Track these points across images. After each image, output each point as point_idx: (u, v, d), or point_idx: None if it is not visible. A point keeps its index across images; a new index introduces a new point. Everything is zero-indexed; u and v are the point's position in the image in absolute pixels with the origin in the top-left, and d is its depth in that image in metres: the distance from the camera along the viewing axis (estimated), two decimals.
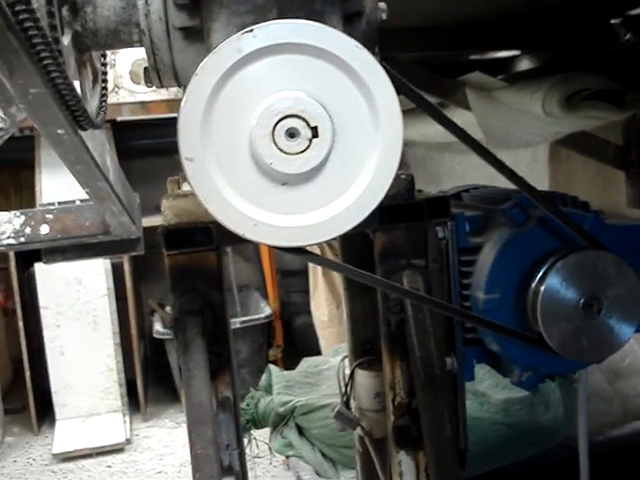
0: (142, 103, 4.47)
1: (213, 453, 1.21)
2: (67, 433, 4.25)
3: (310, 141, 1.00)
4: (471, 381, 1.36)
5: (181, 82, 1.30)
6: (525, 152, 3.31)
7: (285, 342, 4.83)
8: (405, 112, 1.12)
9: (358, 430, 1.70)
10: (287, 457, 2.71)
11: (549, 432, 2.39)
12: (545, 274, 1.17)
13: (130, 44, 1.27)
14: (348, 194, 1.05)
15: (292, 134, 1.00)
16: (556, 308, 1.16)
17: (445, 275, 1.30)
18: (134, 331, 4.60)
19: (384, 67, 1.03)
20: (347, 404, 1.73)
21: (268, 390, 2.85)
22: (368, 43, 1.21)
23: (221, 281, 1.29)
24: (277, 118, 0.99)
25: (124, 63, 4.42)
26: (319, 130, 1.00)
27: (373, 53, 1.36)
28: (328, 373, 2.89)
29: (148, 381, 4.80)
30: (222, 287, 1.29)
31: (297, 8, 1.17)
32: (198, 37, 1.21)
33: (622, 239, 1.25)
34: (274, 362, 4.78)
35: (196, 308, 1.25)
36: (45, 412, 4.53)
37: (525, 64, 3.09)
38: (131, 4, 1.18)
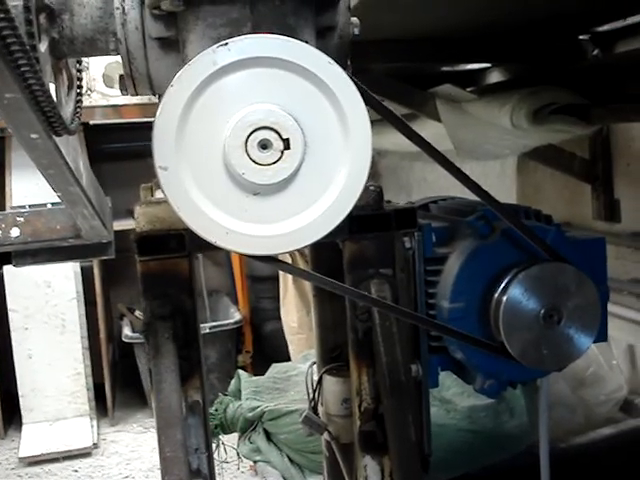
0: (115, 106, 4.46)
1: (182, 456, 1.23)
2: (34, 437, 4.22)
3: (282, 152, 1.03)
4: (435, 388, 1.39)
5: (156, 91, 1.32)
6: (494, 164, 3.37)
7: (254, 348, 4.84)
8: (376, 122, 1.16)
9: (325, 435, 1.73)
10: (255, 462, 2.72)
11: (514, 439, 2.44)
12: (507, 285, 1.20)
13: (106, 52, 1.28)
14: (318, 204, 1.07)
15: (264, 145, 1.03)
16: (517, 318, 1.20)
17: (412, 284, 1.34)
18: (103, 335, 4.58)
19: (354, 81, 1.06)
20: (315, 409, 1.76)
21: (237, 395, 2.87)
22: (340, 57, 1.24)
23: (192, 287, 1.31)
24: (250, 130, 1.02)
25: (97, 66, 4.41)
26: (291, 142, 1.03)
27: (345, 66, 1.40)
28: (297, 379, 2.91)
29: (116, 385, 4.78)
30: (193, 293, 1.31)
31: (271, 22, 1.20)
32: (174, 47, 1.23)
33: (581, 252, 1.29)
34: (243, 368, 4.78)
35: (167, 313, 1.27)
36: (12, 415, 4.50)
37: (495, 77, 3.15)
38: (108, 13, 1.20)
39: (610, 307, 1.33)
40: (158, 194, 1.52)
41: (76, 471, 3.98)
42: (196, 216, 1.04)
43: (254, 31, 1.24)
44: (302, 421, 1.73)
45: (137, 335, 4.59)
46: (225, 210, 1.05)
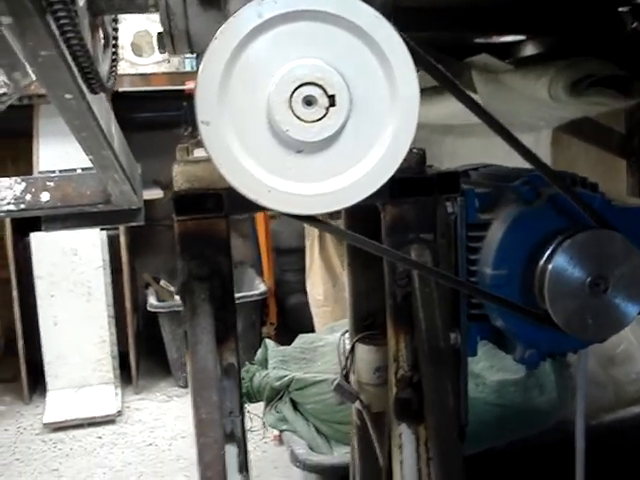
0: (143, 75, 4.45)
1: (218, 418, 1.22)
2: (58, 403, 4.26)
3: (327, 109, 1.00)
4: (474, 357, 1.37)
5: (195, 49, 1.30)
6: (528, 137, 3.30)
7: (278, 320, 4.84)
8: None
9: (357, 404, 1.71)
10: (281, 432, 2.72)
11: (542, 414, 2.41)
12: (553, 252, 1.17)
13: (145, 9, 1.26)
14: (362, 164, 1.05)
15: (309, 102, 1.00)
16: (563, 286, 1.17)
17: (452, 250, 1.31)
18: (128, 304, 4.60)
19: (404, 39, 1.02)
20: (346, 378, 1.74)
21: (263, 364, 2.86)
22: (384, 15, 1.21)
23: (229, 249, 1.29)
24: (295, 85, 0.99)
25: (126, 34, 4.39)
26: (336, 99, 1.00)
27: None
28: (323, 350, 2.90)
29: (141, 354, 4.80)
30: (230, 255, 1.29)
31: None
32: (214, 3, 1.21)
33: (628, 221, 1.26)
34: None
35: (204, 274, 1.25)
36: (37, 382, 4.54)
37: (530, 49, 3.08)
38: None
39: None
40: (196, 153, 1.50)
41: (100, 438, 4.01)
42: (238, 173, 1.02)
43: None
44: (334, 389, 1.71)
45: (162, 305, 4.61)
46: (267, 167, 1.03)
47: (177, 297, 4.99)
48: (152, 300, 4.65)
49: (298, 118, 1.01)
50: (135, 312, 4.83)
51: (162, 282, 5.12)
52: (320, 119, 1.01)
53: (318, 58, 1.00)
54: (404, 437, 1.38)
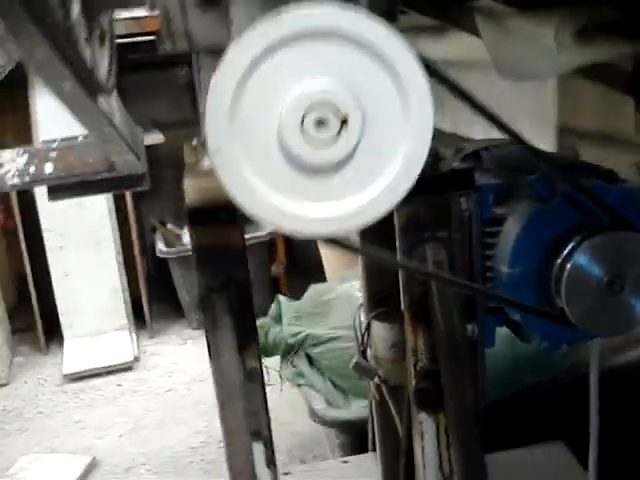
0: (136, 19, 4.35)
1: (244, 426, 1.25)
2: (76, 353, 4.34)
3: (340, 130, 0.99)
4: (492, 347, 1.39)
5: (195, 47, 1.28)
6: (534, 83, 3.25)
7: (287, 259, 4.88)
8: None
9: (375, 379, 1.75)
10: (298, 386, 2.78)
11: (553, 362, 2.46)
12: (570, 252, 1.17)
13: (142, 4, 1.25)
14: (379, 181, 1.03)
15: (321, 123, 0.98)
16: (580, 286, 1.17)
17: (467, 247, 1.31)
18: (137, 250, 4.63)
19: (416, 54, 1.00)
20: (364, 354, 1.77)
21: (277, 320, 2.90)
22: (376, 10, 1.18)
23: (245, 257, 1.29)
24: (306, 107, 0.97)
25: None
26: (349, 118, 0.98)
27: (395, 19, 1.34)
28: (335, 302, 2.93)
29: (153, 299, 4.86)
30: (246, 263, 1.30)
31: None
32: (214, 3, 1.19)
33: None
34: (277, 279, 4.84)
35: (222, 285, 1.26)
36: (52, 332, 4.61)
37: None
38: None
39: None
40: (206, 161, 1.48)
41: (120, 385, 4.10)
42: (251, 199, 1.01)
43: None
44: (353, 367, 1.75)
45: (171, 250, 4.63)
46: (282, 192, 1.02)
47: (185, 240, 4.99)
48: (161, 245, 4.67)
49: (311, 140, 0.99)
50: (144, 257, 4.86)
51: (169, 225, 5.13)
52: (333, 140, 0.99)
53: (330, 77, 0.98)
54: (425, 425, 1.41)
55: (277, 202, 1.02)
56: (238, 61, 0.96)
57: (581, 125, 3.21)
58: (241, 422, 1.26)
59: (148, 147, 1.78)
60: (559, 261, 1.19)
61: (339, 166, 1.01)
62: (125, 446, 3.52)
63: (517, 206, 1.27)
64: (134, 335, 4.53)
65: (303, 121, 0.97)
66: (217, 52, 1.12)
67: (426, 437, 1.43)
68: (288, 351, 2.75)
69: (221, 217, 1.26)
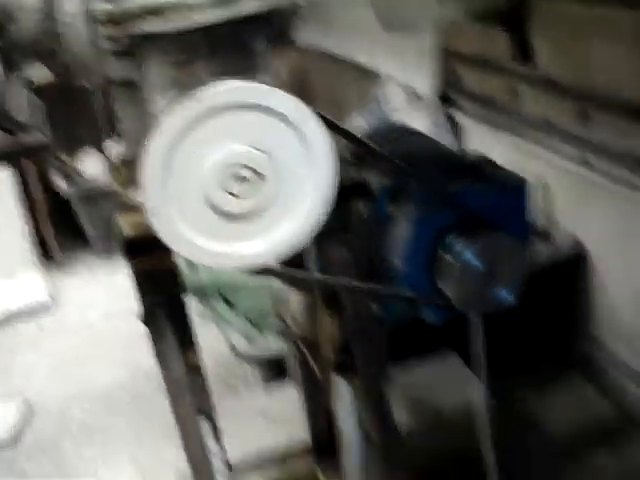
0: None
1: (193, 415, 1.49)
2: None
3: (257, 184, 1.18)
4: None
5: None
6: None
7: None
8: None
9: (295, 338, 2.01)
10: (217, 324, 3.01)
11: None
12: (452, 248, 1.42)
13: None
14: (295, 217, 1.24)
15: (241, 178, 1.18)
16: (462, 278, 1.43)
17: (369, 246, 1.54)
18: (37, 190, 4.66)
19: (319, 116, 1.19)
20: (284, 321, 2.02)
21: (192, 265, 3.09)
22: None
23: (179, 276, 1.49)
24: (228, 167, 1.16)
25: None
26: (265, 174, 1.18)
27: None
28: None
29: (59, 236, 4.92)
30: (181, 280, 1.50)
31: (227, 43, 1.31)
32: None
33: (502, 205, 1.50)
34: None
35: (162, 301, 1.46)
36: None
37: None
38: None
39: None
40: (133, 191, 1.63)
41: (39, 327, 4.24)
42: (186, 247, 1.20)
43: (211, 53, 1.35)
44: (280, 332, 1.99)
45: (74, 190, 4.69)
46: (212, 238, 1.22)
47: (83, 171, 4.99)
48: (62, 184, 4.71)
49: (232, 195, 1.19)
50: (46, 195, 4.87)
51: (62, 157, 5.12)
52: (252, 192, 1.19)
53: (246, 142, 1.17)
54: (342, 388, 1.69)
55: (209, 246, 1.22)
56: (167, 133, 1.13)
57: (463, 50, 3.44)
58: (189, 409, 1.50)
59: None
60: (445, 256, 1.44)
61: (261, 211, 1.21)
62: (54, 389, 3.68)
63: (406, 206, 1.49)
64: (44, 275, 4.62)
65: (225, 180, 1.17)
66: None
67: (344, 399, 1.71)
68: (206, 294, 2.96)
69: (155, 245, 1.44)
